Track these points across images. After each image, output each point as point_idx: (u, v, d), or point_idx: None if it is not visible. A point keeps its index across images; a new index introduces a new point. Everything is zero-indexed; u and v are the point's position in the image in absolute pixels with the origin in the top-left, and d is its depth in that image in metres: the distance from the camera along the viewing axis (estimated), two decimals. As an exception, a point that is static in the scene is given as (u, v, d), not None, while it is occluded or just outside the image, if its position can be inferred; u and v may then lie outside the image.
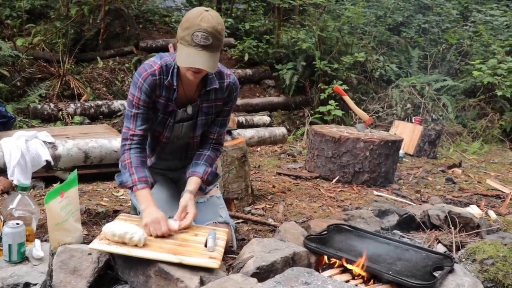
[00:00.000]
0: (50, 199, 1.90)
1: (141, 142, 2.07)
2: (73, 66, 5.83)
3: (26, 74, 5.33)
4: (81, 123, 5.06)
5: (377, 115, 6.67)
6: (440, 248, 2.36)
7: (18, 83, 5.24)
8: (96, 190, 3.24)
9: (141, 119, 2.03)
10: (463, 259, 2.10)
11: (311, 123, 6.20)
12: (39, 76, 5.52)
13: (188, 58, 1.86)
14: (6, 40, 5.58)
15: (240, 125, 5.63)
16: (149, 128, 2.08)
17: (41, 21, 6.51)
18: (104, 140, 3.37)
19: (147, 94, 2.00)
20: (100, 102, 5.43)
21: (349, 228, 2.35)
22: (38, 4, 6.63)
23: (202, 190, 2.23)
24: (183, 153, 2.30)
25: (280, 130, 5.48)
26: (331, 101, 6.33)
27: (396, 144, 3.99)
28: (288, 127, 6.36)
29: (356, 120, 6.16)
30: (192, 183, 2.11)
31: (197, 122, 2.15)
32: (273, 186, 3.68)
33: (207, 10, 1.88)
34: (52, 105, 5.12)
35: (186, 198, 2.05)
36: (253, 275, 1.78)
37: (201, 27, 1.83)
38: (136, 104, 2.01)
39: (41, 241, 1.91)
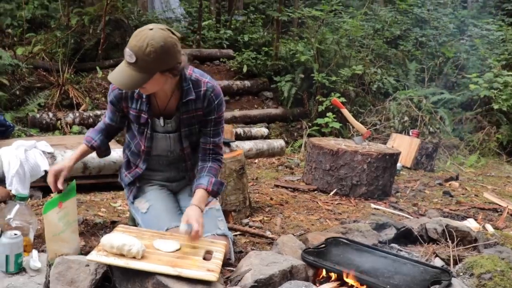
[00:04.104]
0: (48, 210, 1.90)
1: (107, 129, 2.25)
2: (72, 76, 5.84)
3: (25, 83, 5.33)
4: (80, 133, 5.06)
5: (374, 128, 6.69)
6: (438, 262, 2.36)
7: (18, 92, 5.24)
8: (94, 201, 3.23)
9: (110, 112, 2.21)
10: (461, 273, 2.11)
11: (309, 135, 6.21)
12: (39, 85, 5.52)
13: (113, 71, 1.91)
14: (7, 49, 5.60)
15: (238, 137, 5.63)
16: (115, 125, 2.24)
17: (41, 30, 6.54)
18: (102, 151, 3.37)
19: (113, 103, 2.16)
20: (98, 112, 5.43)
21: (347, 241, 2.35)
22: (39, 13, 6.67)
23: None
24: (180, 164, 2.30)
25: (278, 143, 5.49)
26: (329, 114, 6.35)
27: (393, 157, 4.01)
28: (286, 139, 6.36)
29: (354, 133, 6.18)
30: (197, 195, 2.08)
31: (181, 134, 2.17)
32: (271, 199, 3.68)
33: (151, 29, 1.84)
34: (51, 114, 5.12)
35: (188, 211, 1.99)
36: (251, 288, 1.78)
37: (130, 44, 1.85)
38: (109, 105, 2.21)
39: (38, 251, 1.91)
